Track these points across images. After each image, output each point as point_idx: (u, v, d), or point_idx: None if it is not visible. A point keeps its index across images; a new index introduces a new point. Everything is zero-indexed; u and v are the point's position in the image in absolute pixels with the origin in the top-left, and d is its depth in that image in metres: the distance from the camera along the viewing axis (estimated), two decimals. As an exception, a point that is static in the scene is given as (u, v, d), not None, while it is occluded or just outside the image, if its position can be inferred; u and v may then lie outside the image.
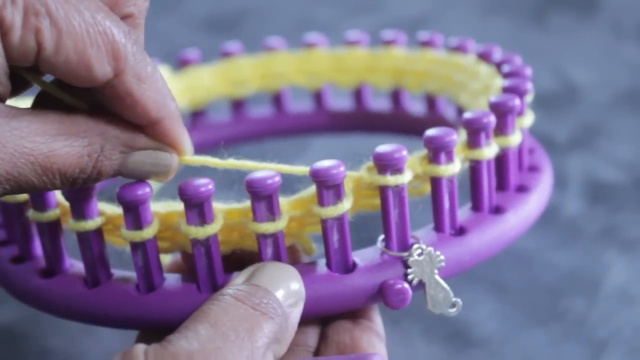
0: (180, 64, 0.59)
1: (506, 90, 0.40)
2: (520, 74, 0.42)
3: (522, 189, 0.40)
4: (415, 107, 0.56)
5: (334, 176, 0.34)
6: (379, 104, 0.58)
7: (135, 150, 0.34)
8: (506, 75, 0.43)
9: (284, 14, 0.95)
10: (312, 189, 0.35)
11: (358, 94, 0.57)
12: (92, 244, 0.36)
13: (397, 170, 0.35)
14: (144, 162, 0.34)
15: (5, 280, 0.39)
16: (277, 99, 0.59)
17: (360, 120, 0.58)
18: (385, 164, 0.35)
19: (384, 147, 0.35)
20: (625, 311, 0.53)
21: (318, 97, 0.58)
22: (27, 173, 0.31)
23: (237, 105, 0.59)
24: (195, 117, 0.59)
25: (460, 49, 0.51)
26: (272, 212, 0.35)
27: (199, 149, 0.60)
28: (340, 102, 0.59)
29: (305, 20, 0.92)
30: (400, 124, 0.56)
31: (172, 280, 0.36)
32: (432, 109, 0.55)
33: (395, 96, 0.56)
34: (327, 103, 0.58)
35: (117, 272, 0.37)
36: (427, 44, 0.53)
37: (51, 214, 0.37)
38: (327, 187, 0.34)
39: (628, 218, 0.60)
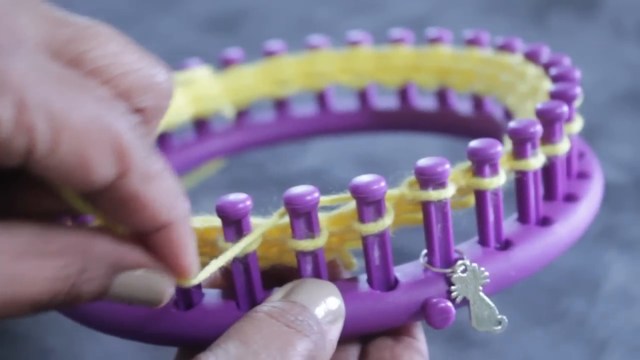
0: (222, 64, 0.58)
1: (554, 95, 0.39)
2: (568, 78, 0.41)
3: (570, 197, 0.39)
4: (463, 105, 0.55)
5: (375, 192, 0.33)
6: (426, 102, 0.57)
7: (123, 270, 0.30)
8: (554, 79, 0.42)
9: (283, 13, 0.95)
10: (353, 204, 0.34)
11: (403, 93, 0.56)
12: None
13: (440, 184, 0.34)
14: (132, 286, 0.30)
15: None
16: (321, 98, 0.58)
17: (406, 119, 0.57)
18: (428, 179, 0.33)
19: (425, 161, 0.34)
20: (625, 311, 0.53)
21: (363, 96, 0.57)
22: None
23: (281, 105, 0.58)
24: (239, 118, 0.58)
25: (507, 47, 0.50)
26: (312, 229, 0.34)
27: (244, 149, 0.59)
28: (385, 101, 0.58)
29: (305, 20, 0.92)
30: (447, 123, 0.55)
31: (210, 296, 0.35)
32: (480, 108, 0.53)
33: (442, 95, 0.55)
34: (372, 102, 0.57)
35: None
36: (472, 42, 0.52)
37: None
38: (368, 203, 0.33)
39: (628, 218, 0.60)
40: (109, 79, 0.29)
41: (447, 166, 0.34)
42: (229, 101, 0.58)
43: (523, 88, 0.46)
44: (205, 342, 0.32)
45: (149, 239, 0.30)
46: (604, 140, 0.68)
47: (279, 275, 0.36)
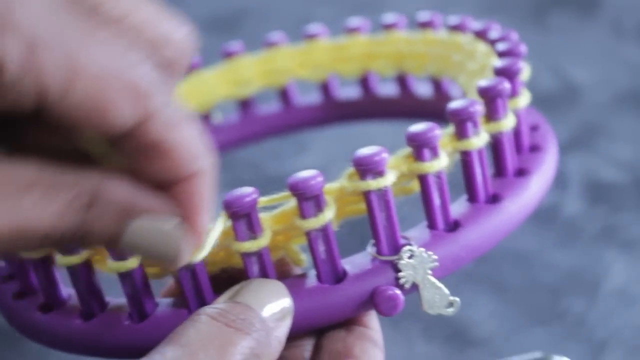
0: None
1: (497, 72, 0.39)
2: (513, 53, 0.41)
3: (521, 172, 0.38)
4: (424, 89, 0.54)
5: (312, 187, 0.33)
6: (388, 89, 0.56)
7: (136, 215, 0.28)
8: (500, 55, 0.41)
9: (283, 13, 0.96)
10: (294, 201, 0.34)
11: (364, 82, 0.56)
12: (81, 277, 0.35)
13: (378, 173, 0.34)
14: (146, 236, 0.28)
15: (9, 316, 0.38)
16: (284, 94, 0.57)
17: (369, 108, 0.56)
18: (365, 169, 0.33)
19: (362, 151, 0.34)
20: (625, 311, 0.53)
21: (325, 88, 0.57)
22: None
23: (244, 105, 0.58)
24: (203, 121, 0.58)
25: (459, 27, 0.49)
26: (253, 230, 0.33)
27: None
28: (349, 91, 0.57)
29: (304, 19, 0.92)
30: (410, 107, 0.55)
31: (164, 306, 0.35)
32: (439, 89, 0.53)
33: (402, 80, 0.55)
34: (334, 93, 0.57)
35: (112, 301, 0.36)
36: (426, 24, 0.52)
37: (40, 250, 0.35)
38: (306, 198, 0.33)
39: (628, 218, 0.60)
40: (126, 30, 0.28)
41: (385, 155, 0.33)
42: (191, 106, 0.57)
43: (473, 66, 0.45)
44: None
45: (168, 192, 0.29)
46: (604, 140, 0.68)
47: (231, 278, 0.35)
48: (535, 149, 0.40)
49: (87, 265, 0.35)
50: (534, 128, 0.41)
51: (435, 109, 0.53)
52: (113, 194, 0.28)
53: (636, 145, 0.68)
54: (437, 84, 0.53)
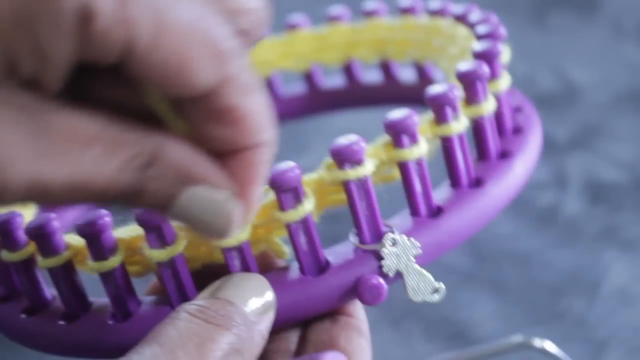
0: None
1: (476, 55, 0.38)
2: (493, 35, 0.41)
3: (504, 155, 0.38)
4: (409, 75, 0.54)
5: (289, 179, 0.33)
6: (372, 76, 0.56)
7: (191, 182, 0.28)
8: (480, 38, 0.41)
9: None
10: (273, 194, 0.34)
11: (348, 70, 0.56)
12: (63, 279, 0.35)
13: (357, 162, 0.34)
14: (199, 205, 0.28)
15: None
16: (268, 86, 0.57)
17: (354, 96, 0.56)
18: (343, 158, 0.33)
19: (340, 141, 0.34)
20: (625, 311, 0.53)
21: (309, 78, 0.57)
22: (49, 187, 0.26)
23: None
24: None
25: (440, 12, 0.49)
26: None
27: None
28: (334, 80, 0.57)
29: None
30: (395, 94, 0.55)
31: (147, 304, 0.35)
32: (423, 75, 0.53)
33: (385, 67, 0.55)
34: (319, 83, 0.57)
35: (96, 301, 0.36)
36: (407, 10, 0.52)
37: (22, 252, 0.36)
38: (284, 191, 0.33)
39: (628, 218, 0.60)
40: None
41: (363, 144, 0.33)
42: None
43: (453, 50, 0.45)
44: None
45: (227, 160, 0.28)
46: (604, 140, 0.68)
47: (213, 273, 0.35)
48: (518, 130, 0.40)
49: (68, 267, 0.35)
50: (517, 110, 0.41)
51: (420, 95, 0.53)
52: (173, 157, 0.27)
53: (636, 145, 0.68)
54: (420, 69, 0.53)
